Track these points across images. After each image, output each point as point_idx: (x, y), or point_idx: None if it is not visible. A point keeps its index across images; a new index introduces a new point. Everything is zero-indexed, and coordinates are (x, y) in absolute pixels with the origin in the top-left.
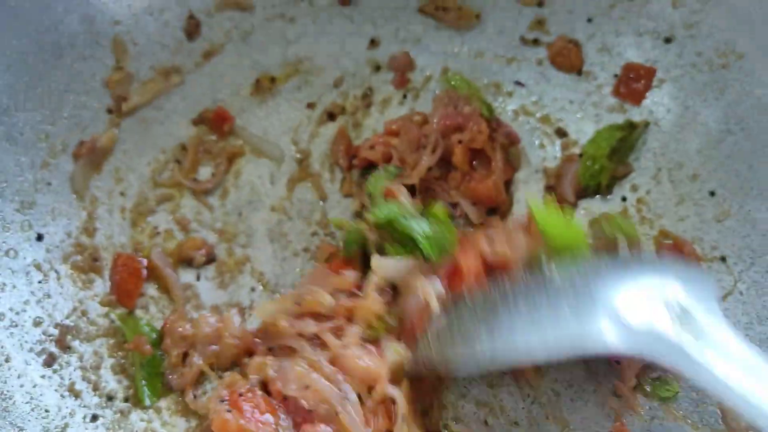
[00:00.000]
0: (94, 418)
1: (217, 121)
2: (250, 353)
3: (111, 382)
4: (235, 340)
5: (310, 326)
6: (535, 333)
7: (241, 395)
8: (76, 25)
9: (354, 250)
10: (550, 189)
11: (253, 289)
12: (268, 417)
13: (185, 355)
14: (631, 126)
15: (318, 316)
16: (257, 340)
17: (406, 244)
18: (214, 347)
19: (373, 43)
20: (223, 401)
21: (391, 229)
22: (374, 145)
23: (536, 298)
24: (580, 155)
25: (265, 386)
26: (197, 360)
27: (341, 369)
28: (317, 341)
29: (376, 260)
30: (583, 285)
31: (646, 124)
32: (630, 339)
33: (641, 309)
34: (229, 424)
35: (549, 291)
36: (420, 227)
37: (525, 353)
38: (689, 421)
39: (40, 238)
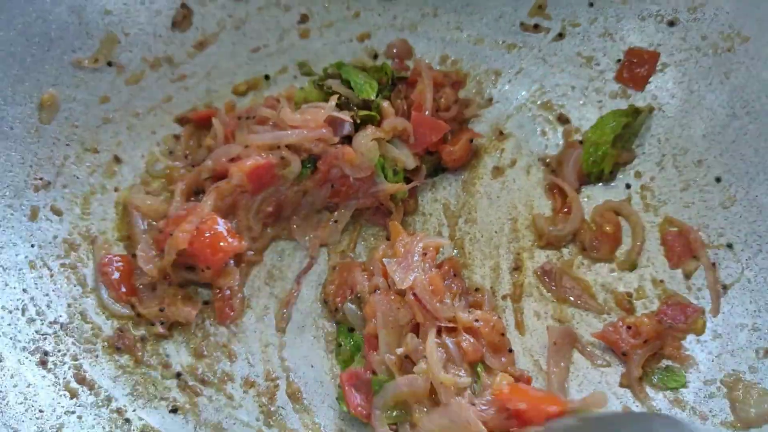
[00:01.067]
0: (90, 417)
1: (201, 121)
2: None
3: (107, 381)
4: None
5: None
6: None
7: None
8: (65, 16)
9: None
10: (552, 175)
11: None
12: None
13: None
14: (635, 111)
15: None
16: None
17: None
18: None
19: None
20: None
21: None
22: None
23: None
24: (581, 142)
25: None
26: None
27: None
28: None
29: None
30: None
31: (651, 110)
32: None
33: None
34: None
35: None
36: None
37: None
38: (698, 411)
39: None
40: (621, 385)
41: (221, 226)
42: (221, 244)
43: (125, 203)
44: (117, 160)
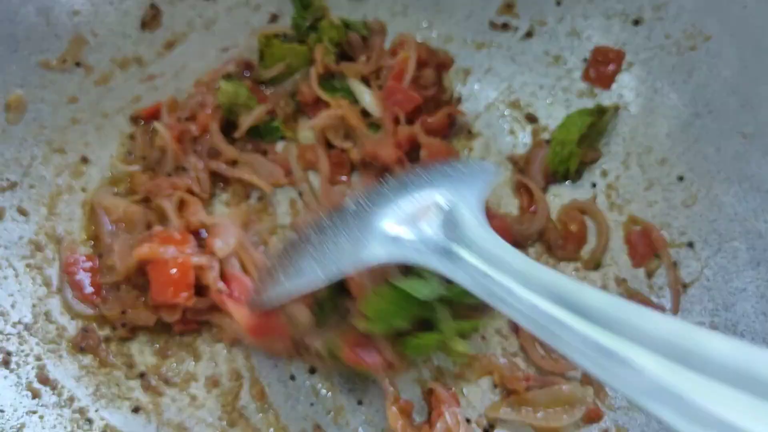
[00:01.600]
0: (52, 417)
1: (150, 118)
2: None
3: (70, 381)
4: None
5: None
6: (320, 262)
7: None
8: (33, 17)
9: None
10: (520, 174)
11: None
12: None
13: None
14: (600, 111)
15: None
16: None
17: None
18: None
19: None
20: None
21: None
22: None
23: (328, 230)
24: (548, 141)
25: None
26: None
27: None
28: None
29: None
30: (365, 212)
31: (616, 108)
32: (399, 251)
33: (408, 222)
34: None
35: (339, 221)
36: None
37: (310, 281)
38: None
39: None
40: (581, 383)
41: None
42: (176, 290)
43: (92, 204)
44: (84, 160)
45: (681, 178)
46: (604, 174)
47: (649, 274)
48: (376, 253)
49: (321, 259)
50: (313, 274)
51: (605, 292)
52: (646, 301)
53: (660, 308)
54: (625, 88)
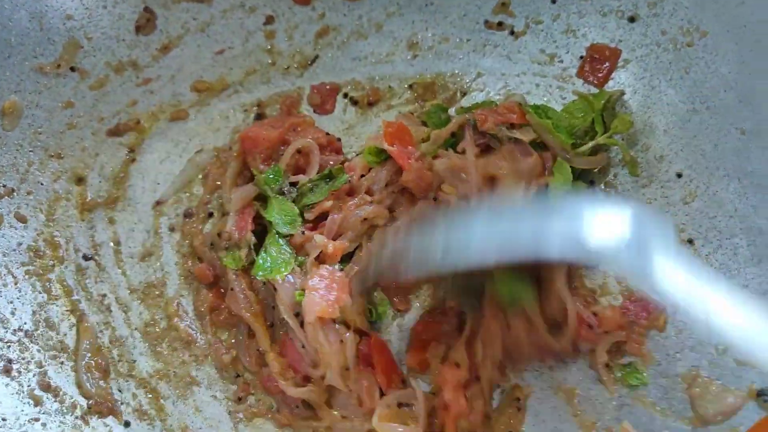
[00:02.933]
0: (54, 425)
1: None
2: None
3: (72, 388)
4: None
5: None
6: (492, 238)
7: None
8: (26, 22)
9: None
10: None
11: None
12: None
13: None
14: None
15: None
16: None
17: None
18: None
19: (335, 30)
20: None
21: None
22: None
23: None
24: None
25: None
26: None
27: None
28: None
29: None
30: (551, 207)
31: (621, 93)
32: (583, 253)
33: (600, 231)
34: None
35: (517, 208)
36: None
37: (478, 256)
38: (658, 408)
39: None
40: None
41: None
42: None
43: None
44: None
45: (679, 175)
46: (602, 171)
47: None
48: (563, 248)
49: (487, 232)
50: (471, 244)
51: None
52: (647, 299)
53: (661, 306)
54: (622, 84)
